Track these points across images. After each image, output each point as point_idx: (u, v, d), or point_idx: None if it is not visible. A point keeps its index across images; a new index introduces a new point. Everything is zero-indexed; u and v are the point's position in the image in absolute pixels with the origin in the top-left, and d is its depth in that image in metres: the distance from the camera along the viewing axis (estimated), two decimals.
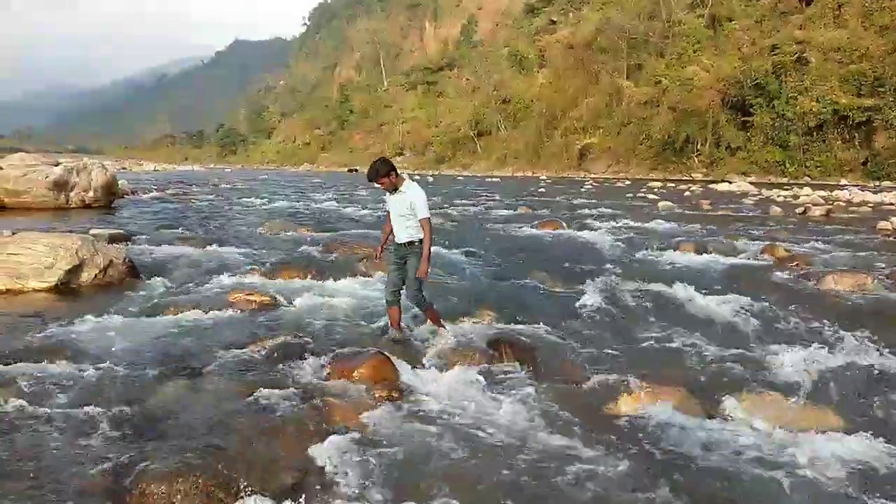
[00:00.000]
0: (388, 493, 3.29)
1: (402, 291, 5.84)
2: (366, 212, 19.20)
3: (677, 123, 56.07)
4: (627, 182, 45.12)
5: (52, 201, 16.26)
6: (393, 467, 3.56)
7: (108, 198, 18.16)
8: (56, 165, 16.89)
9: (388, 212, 5.85)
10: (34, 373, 4.56)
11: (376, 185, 5.59)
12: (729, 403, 4.55)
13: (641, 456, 3.81)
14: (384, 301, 6.00)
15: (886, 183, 41.30)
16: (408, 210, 5.60)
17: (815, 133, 48.71)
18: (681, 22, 64.04)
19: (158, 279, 8.21)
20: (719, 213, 21.29)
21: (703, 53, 58.94)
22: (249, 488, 3.22)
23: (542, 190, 36.14)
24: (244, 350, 5.40)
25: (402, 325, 6.03)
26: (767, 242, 12.40)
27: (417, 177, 56.15)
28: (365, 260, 9.26)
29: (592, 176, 57.41)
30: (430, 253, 5.61)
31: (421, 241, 5.63)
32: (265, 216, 16.90)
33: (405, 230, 5.68)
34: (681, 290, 7.90)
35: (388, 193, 5.71)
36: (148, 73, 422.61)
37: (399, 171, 5.67)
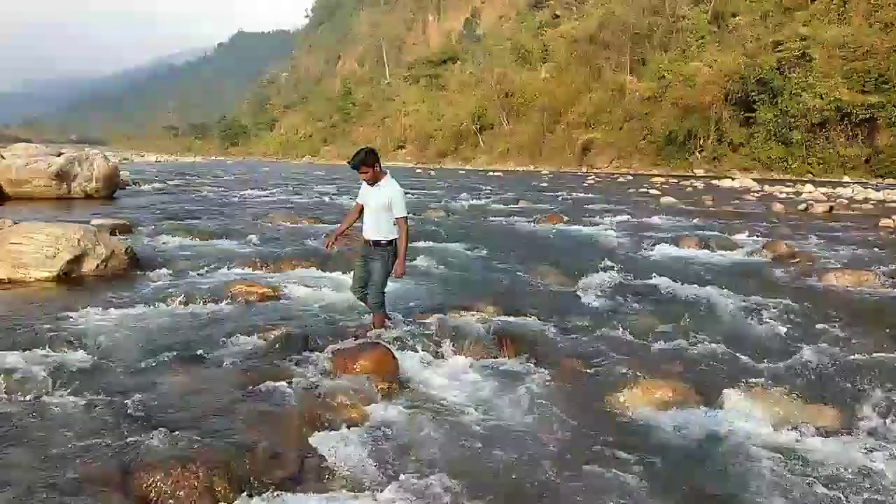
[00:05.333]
0: (387, 485, 3.30)
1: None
2: None
3: (680, 119, 55.84)
4: (630, 177, 45.03)
5: (55, 191, 16.30)
6: (393, 459, 3.57)
7: (110, 188, 18.19)
8: (58, 156, 16.91)
9: (358, 203, 5.76)
10: (36, 362, 4.58)
11: (359, 174, 5.49)
12: (730, 399, 4.56)
13: (642, 450, 3.82)
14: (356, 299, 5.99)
15: (889, 180, 41.18)
16: (384, 206, 5.50)
17: (817, 130, 48.48)
18: (684, 17, 63.76)
19: (160, 270, 8.23)
20: (721, 209, 21.25)
21: (706, 49, 58.66)
22: (250, 478, 3.23)
23: (545, 184, 36.08)
24: (245, 341, 5.41)
25: (392, 318, 6.06)
26: (769, 239, 12.39)
27: (419, 170, 56.14)
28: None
29: (595, 171, 57.30)
30: (406, 252, 5.60)
31: (388, 243, 5.58)
32: (266, 208, 16.91)
33: (375, 227, 5.58)
34: (682, 286, 7.90)
35: (365, 185, 5.63)
36: (152, 64, 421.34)
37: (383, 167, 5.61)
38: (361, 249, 5.81)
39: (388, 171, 5.68)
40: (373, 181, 5.54)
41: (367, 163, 5.42)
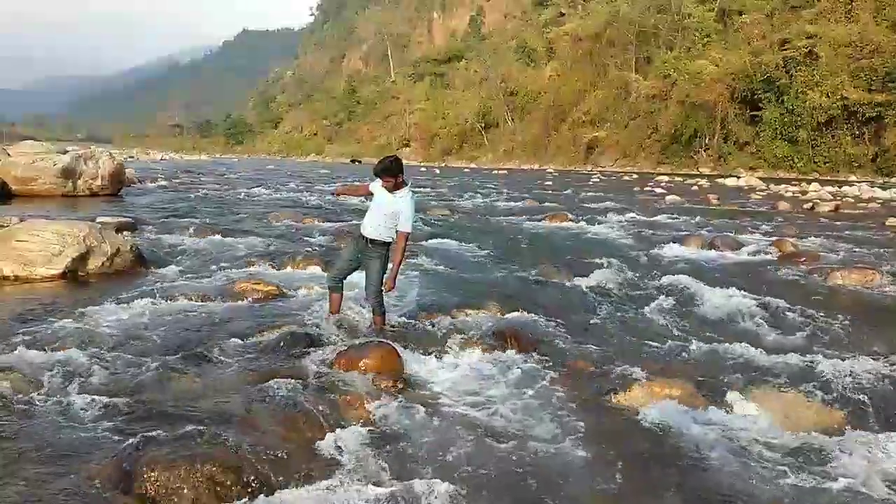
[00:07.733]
0: (393, 483, 3.29)
1: (345, 280, 5.88)
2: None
3: (685, 117, 55.69)
4: (635, 176, 44.90)
5: (60, 189, 16.33)
6: (397, 458, 3.57)
7: (116, 186, 18.22)
8: (64, 153, 16.95)
9: (369, 188, 5.74)
10: (41, 360, 4.58)
11: (381, 181, 5.48)
12: (734, 399, 4.53)
13: (646, 449, 3.81)
14: (327, 286, 6.02)
15: (895, 179, 41.00)
16: (392, 215, 5.49)
17: (824, 128, 48.25)
18: (690, 15, 63.49)
19: (165, 268, 8.25)
20: (727, 207, 21.19)
21: (712, 47, 58.45)
22: (255, 477, 3.23)
23: (550, 183, 36.03)
24: (250, 340, 5.41)
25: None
26: (775, 238, 12.35)
27: (424, 168, 56.13)
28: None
29: (600, 169, 57.23)
30: (398, 268, 5.58)
31: (385, 244, 5.57)
32: (272, 206, 16.92)
33: (376, 228, 5.56)
34: (687, 285, 7.88)
35: (382, 188, 5.58)
36: (158, 63, 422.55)
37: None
38: (356, 243, 5.78)
39: (410, 183, 5.64)
40: (392, 189, 5.52)
41: (391, 172, 5.41)
